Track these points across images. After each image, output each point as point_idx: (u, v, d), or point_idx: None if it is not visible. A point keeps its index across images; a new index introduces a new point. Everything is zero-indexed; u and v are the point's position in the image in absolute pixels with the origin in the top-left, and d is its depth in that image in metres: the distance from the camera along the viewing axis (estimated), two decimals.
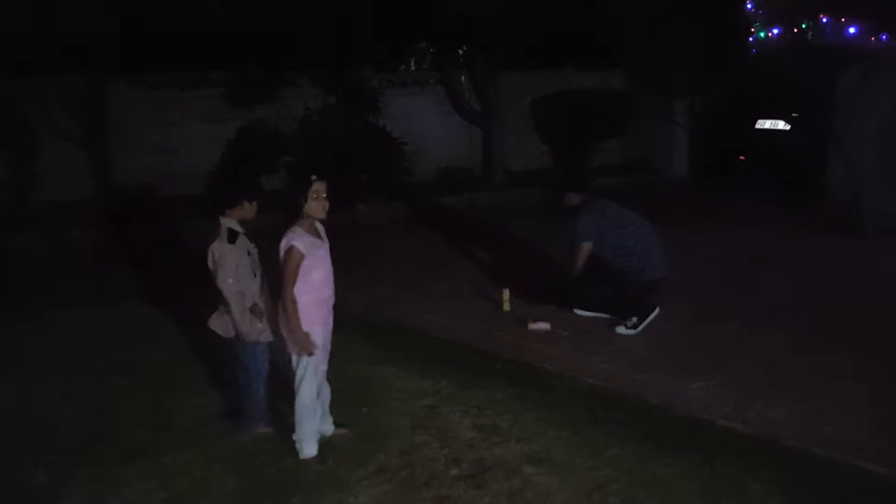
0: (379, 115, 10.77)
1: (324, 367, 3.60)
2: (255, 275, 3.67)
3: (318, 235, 3.51)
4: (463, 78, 11.79)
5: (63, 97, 9.71)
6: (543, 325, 5.36)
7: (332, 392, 3.77)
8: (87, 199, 9.56)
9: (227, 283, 3.56)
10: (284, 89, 10.48)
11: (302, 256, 3.37)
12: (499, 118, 11.45)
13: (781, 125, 10.76)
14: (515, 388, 4.31)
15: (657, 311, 5.28)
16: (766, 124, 10.94)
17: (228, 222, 3.64)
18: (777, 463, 3.48)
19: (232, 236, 3.59)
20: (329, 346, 3.61)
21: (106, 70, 9.76)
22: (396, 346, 5.01)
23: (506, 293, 5.79)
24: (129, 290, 6.35)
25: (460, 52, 11.86)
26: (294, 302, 3.38)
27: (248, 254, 3.66)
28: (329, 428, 3.74)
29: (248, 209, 3.69)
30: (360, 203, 9.77)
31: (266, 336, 3.73)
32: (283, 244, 3.39)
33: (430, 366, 4.65)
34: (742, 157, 10.98)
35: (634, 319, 5.26)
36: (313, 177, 3.41)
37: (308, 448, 3.53)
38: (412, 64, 13.16)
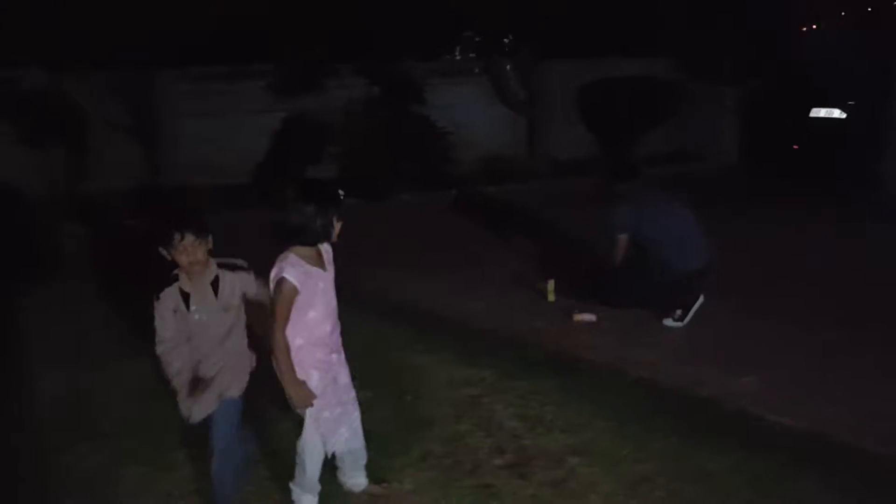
0: (423, 104, 10.76)
1: (327, 413, 2.91)
2: (188, 339, 2.91)
3: (319, 263, 2.85)
4: (508, 67, 11.68)
5: (114, 89, 9.93)
6: (589, 317, 5.31)
7: (374, 381, 3.70)
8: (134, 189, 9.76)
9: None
10: (329, 80, 10.54)
11: (295, 291, 2.72)
12: (543, 107, 11.34)
13: (837, 113, 10.45)
14: (560, 378, 4.28)
15: (701, 299, 5.18)
16: (820, 112, 10.64)
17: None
18: (829, 459, 3.40)
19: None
20: (343, 384, 3.00)
21: (155, 62, 9.93)
22: (440, 336, 5.01)
23: (551, 284, 5.74)
24: None
25: (505, 40, 11.78)
26: (285, 346, 2.75)
27: (175, 312, 2.87)
28: (359, 482, 3.21)
29: (190, 249, 2.81)
30: (402, 193, 9.80)
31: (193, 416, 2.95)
32: (273, 274, 2.76)
33: (473, 355, 4.64)
34: (795, 147, 10.70)
35: (679, 312, 5.18)
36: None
37: (306, 501, 3.03)
38: (457, 53, 13.13)
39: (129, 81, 9.91)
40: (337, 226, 2.82)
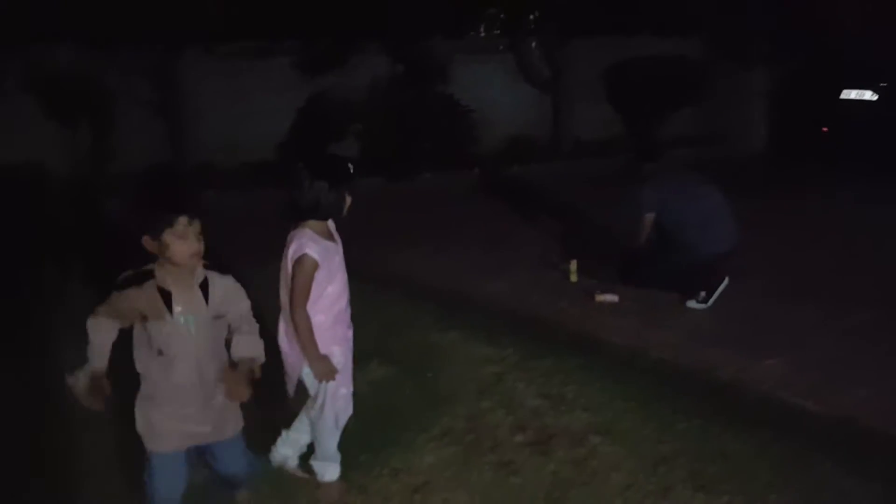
0: (447, 82, 10.71)
1: (344, 390, 2.98)
2: (159, 352, 2.46)
3: (330, 237, 2.85)
4: (533, 45, 11.59)
5: (141, 67, 9.98)
6: (611, 297, 5.30)
7: (397, 358, 3.74)
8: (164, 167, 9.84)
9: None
10: (353, 58, 10.52)
11: (316, 266, 2.71)
12: (568, 86, 11.25)
13: (868, 95, 10.26)
14: (582, 358, 4.28)
15: (726, 282, 5.14)
16: (851, 94, 10.44)
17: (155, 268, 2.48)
18: (853, 444, 3.38)
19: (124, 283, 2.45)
20: (350, 365, 3.03)
21: (182, 40, 9.96)
22: (461, 314, 5.02)
23: (573, 264, 5.73)
24: None
25: (531, 17, 11.66)
26: (308, 322, 2.76)
27: (142, 317, 2.44)
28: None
29: (191, 236, 2.44)
30: (426, 171, 9.79)
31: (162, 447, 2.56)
32: (292, 251, 2.73)
33: (495, 334, 4.65)
34: (825, 129, 10.53)
35: (703, 294, 5.15)
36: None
37: (330, 470, 3.05)
38: (481, 31, 13.02)
39: (156, 59, 9.96)
40: (348, 200, 2.81)
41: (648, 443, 3.40)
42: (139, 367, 2.52)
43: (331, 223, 2.88)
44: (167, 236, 2.39)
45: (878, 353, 4.31)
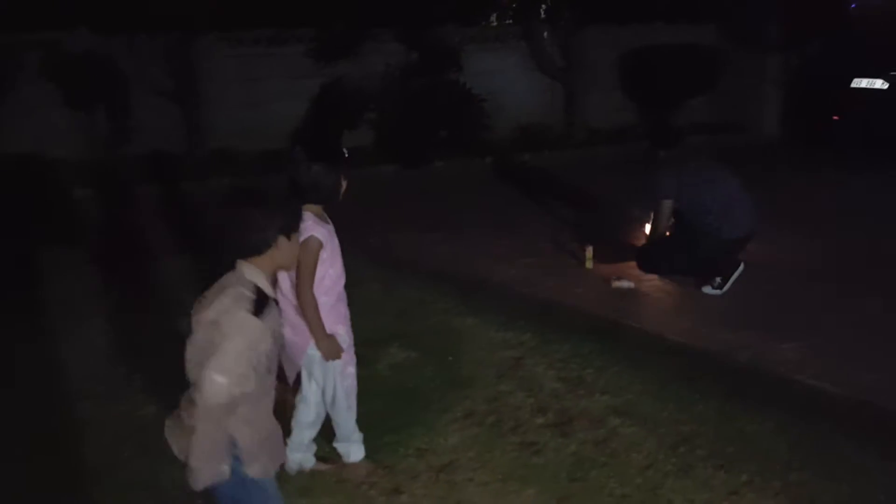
0: (460, 71, 10.74)
1: (351, 368, 3.02)
2: (269, 371, 2.11)
3: (326, 220, 2.88)
4: (546, 33, 11.58)
5: (157, 53, 10.03)
6: (627, 283, 5.34)
7: (417, 342, 3.76)
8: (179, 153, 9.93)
9: (216, 381, 1.92)
10: (367, 45, 10.56)
11: (321, 247, 2.76)
12: (582, 74, 11.25)
13: (879, 84, 10.23)
14: (599, 343, 4.33)
15: (741, 267, 5.18)
16: (862, 83, 10.42)
17: (254, 274, 2.07)
18: (869, 425, 3.43)
19: (259, 304, 2.01)
20: (353, 346, 3.03)
21: (198, 26, 10.01)
22: (480, 299, 5.08)
23: (589, 250, 5.77)
24: None
25: (543, 6, 11.65)
26: (314, 303, 2.79)
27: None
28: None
29: (287, 252, 2.13)
30: (438, 159, 9.83)
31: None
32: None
33: (513, 319, 4.70)
34: (836, 118, 10.52)
35: (719, 280, 5.18)
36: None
37: (354, 450, 3.11)
38: (494, 19, 13.02)
39: (172, 45, 10.02)
40: (343, 184, 2.86)
41: (668, 424, 3.45)
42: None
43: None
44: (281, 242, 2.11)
45: (889, 336, 4.34)
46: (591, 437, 3.35)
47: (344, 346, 2.93)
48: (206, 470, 1.98)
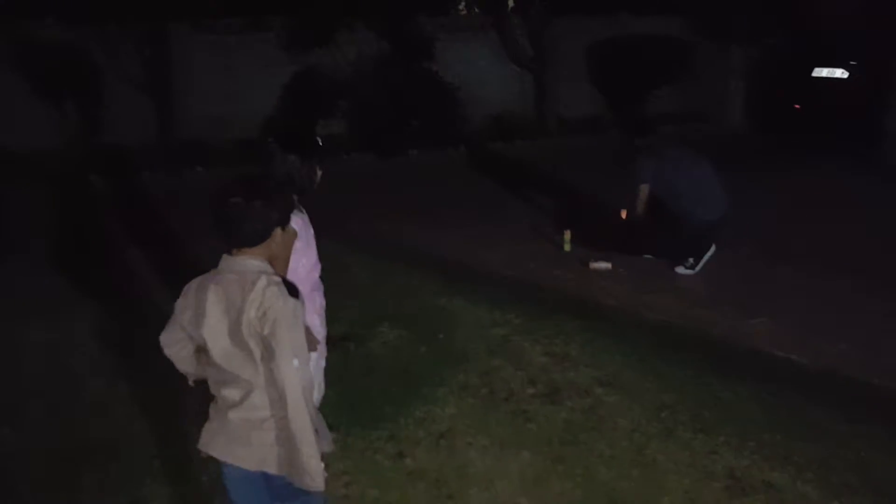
0: (433, 60, 10.87)
1: (324, 362, 2.95)
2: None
3: (302, 211, 2.80)
4: (516, 23, 11.78)
5: (128, 42, 9.99)
6: (605, 265, 5.57)
7: (408, 322, 3.87)
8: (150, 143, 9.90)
9: (292, 365, 1.98)
10: (340, 34, 10.62)
11: (295, 236, 2.68)
12: (551, 64, 11.47)
13: (839, 73, 10.63)
14: (582, 321, 4.55)
15: (713, 249, 5.45)
16: (822, 73, 10.81)
17: (263, 266, 2.09)
18: (835, 391, 3.69)
19: (292, 287, 2.09)
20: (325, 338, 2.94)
21: (170, 15, 9.99)
22: (465, 281, 5.27)
23: (567, 234, 5.99)
24: None
25: None
26: None
27: None
28: None
29: (280, 243, 2.19)
30: (412, 148, 9.98)
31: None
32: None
33: (498, 300, 4.90)
34: (797, 107, 10.90)
35: (691, 260, 5.45)
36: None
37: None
38: (463, 8, 13.17)
39: (144, 35, 9.98)
40: (318, 174, 2.82)
41: (650, 393, 3.68)
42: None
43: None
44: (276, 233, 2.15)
45: (852, 310, 4.65)
46: (578, 406, 3.57)
47: (319, 337, 2.84)
48: (319, 462, 1.97)
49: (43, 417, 3.57)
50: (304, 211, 2.84)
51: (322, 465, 1.99)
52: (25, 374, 4.02)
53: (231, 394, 2.03)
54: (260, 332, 1.95)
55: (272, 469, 2.03)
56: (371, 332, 4.37)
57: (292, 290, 2.04)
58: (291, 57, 10.59)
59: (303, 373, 1.98)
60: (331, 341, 3.99)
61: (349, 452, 3.20)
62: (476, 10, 12.93)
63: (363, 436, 3.32)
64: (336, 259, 5.49)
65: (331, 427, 3.26)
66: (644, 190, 5.44)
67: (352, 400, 3.62)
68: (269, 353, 1.95)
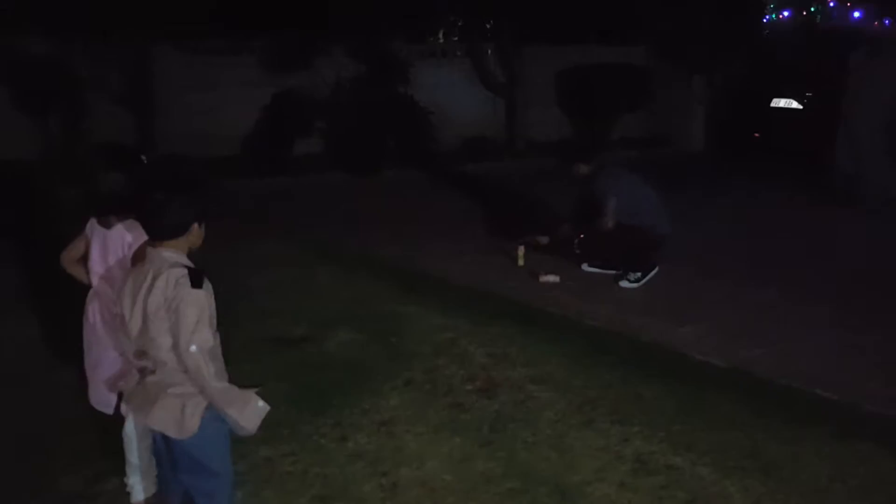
0: (408, 84, 11.30)
1: None
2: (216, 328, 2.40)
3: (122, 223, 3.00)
4: (489, 50, 12.26)
5: (112, 59, 10.31)
6: (553, 278, 5.94)
7: (365, 326, 4.24)
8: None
9: (195, 352, 2.26)
10: (318, 57, 11.03)
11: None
12: (522, 90, 11.95)
13: (795, 104, 11.18)
14: (525, 326, 4.92)
15: (657, 269, 5.86)
16: (780, 103, 11.37)
17: (177, 257, 2.35)
18: (748, 389, 4.06)
19: (196, 277, 2.30)
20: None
21: (152, 34, 10.33)
22: (422, 290, 5.62)
23: (521, 250, 6.37)
24: None
25: (487, 25, 12.33)
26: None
27: None
28: None
29: (198, 235, 2.43)
30: (386, 168, 10.36)
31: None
32: (129, 238, 2.91)
33: (450, 307, 5.26)
34: (756, 134, 11.44)
35: (638, 275, 5.84)
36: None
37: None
38: (441, 36, 13.66)
39: (126, 52, 10.32)
40: (201, 229, 2.68)
41: (576, 389, 4.04)
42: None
43: None
44: (202, 226, 2.45)
45: (775, 321, 5.04)
46: (511, 399, 3.92)
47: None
48: (251, 407, 2.33)
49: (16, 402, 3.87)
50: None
51: (253, 410, 2.33)
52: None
53: (147, 365, 2.37)
54: (167, 318, 2.26)
55: (171, 432, 2.33)
56: (328, 333, 4.72)
57: (198, 280, 2.29)
58: (271, 78, 10.98)
59: (204, 356, 2.26)
60: (290, 341, 4.39)
61: (296, 436, 3.52)
62: (453, 36, 13.44)
63: (310, 422, 3.65)
64: (304, 265, 5.89)
65: (282, 415, 3.65)
66: (613, 203, 5.79)
67: (304, 392, 3.95)
68: (174, 339, 2.26)
